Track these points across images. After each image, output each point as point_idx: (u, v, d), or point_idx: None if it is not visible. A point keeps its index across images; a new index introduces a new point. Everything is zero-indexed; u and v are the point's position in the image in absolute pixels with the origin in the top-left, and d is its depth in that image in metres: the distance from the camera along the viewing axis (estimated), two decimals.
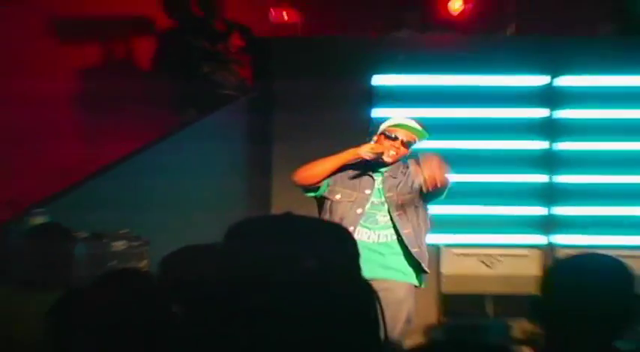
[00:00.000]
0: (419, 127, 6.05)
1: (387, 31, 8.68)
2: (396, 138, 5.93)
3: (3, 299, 5.36)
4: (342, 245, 2.08)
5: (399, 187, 6.13)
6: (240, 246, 2.06)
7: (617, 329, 3.02)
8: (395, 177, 6.13)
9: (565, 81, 7.79)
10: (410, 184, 6.14)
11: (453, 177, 6.06)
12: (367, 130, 7.01)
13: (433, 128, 6.46)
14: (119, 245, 7.22)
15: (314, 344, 1.74)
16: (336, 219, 6.00)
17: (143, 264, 6.93)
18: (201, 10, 8.69)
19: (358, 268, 2.12)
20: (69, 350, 3.04)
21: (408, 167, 6.18)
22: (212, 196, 7.85)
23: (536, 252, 7.38)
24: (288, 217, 2.08)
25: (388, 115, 6.99)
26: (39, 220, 6.87)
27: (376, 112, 7.68)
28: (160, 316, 2.76)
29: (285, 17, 8.79)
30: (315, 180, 6.13)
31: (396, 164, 6.10)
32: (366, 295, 1.92)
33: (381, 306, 1.91)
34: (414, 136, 6.02)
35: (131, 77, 8.95)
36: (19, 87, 8.00)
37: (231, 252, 2.09)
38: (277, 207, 7.57)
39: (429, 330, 7.27)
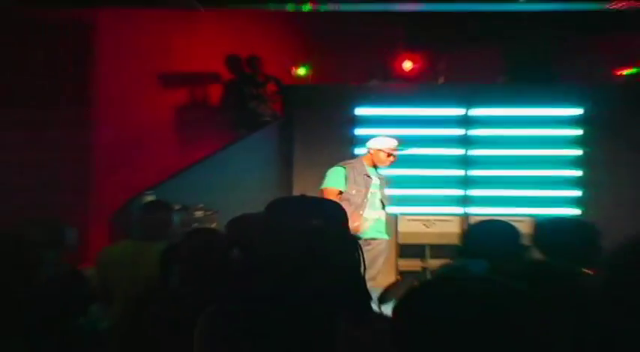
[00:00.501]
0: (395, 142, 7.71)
1: (363, 81, 10.31)
2: (392, 156, 7.60)
3: (131, 248, 5.55)
4: (335, 212, 2.86)
5: (382, 186, 7.67)
6: (274, 213, 2.87)
7: (509, 255, 3.87)
8: (381, 179, 7.66)
9: (474, 111, 9.82)
10: (384, 181, 7.76)
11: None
12: (352, 141, 9.62)
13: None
14: (198, 213, 9.09)
15: (323, 268, 2.35)
16: (352, 205, 7.31)
17: (213, 225, 8.39)
18: (249, 69, 10.63)
19: (345, 225, 2.90)
20: (173, 275, 3.98)
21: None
22: (255, 183, 9.52)
23: (456, 218, 9.20)
24: (303, 197, 2.92)
25: (366, 132, 9.33)
26: (150, 198, 8.22)
27: (357, 131, 9.70)
28: (224, 257, 3.54)
29: (302, 72, 10.65)
30: (337, 193, 7.67)
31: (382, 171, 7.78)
32: (350, 241, 2.57)
33: (360, 247, 2.55)
34: (395, 149, 7.67)
35: (207, 109, 10.88)
36: (140, 115, 10.03)
37: (269, 217, 2.92)
38: (297, 190, 9.41)
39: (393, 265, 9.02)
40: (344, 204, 5.74)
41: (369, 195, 7.47)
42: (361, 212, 7.25)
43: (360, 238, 6.25)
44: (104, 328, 4.48)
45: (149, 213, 6.06)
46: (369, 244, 7.33)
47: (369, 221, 7.37)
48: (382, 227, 7.56)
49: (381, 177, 7.63)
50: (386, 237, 7.58)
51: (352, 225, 6.57)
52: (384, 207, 7.60)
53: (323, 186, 7.57)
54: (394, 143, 7.66)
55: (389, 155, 7.58)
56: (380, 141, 7.74)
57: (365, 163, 7.60)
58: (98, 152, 9.53)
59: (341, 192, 7.49)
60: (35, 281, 3.45)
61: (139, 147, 9.92)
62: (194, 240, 3.95)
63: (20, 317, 2.41)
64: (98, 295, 4.98)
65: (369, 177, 7.49)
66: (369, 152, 7.72)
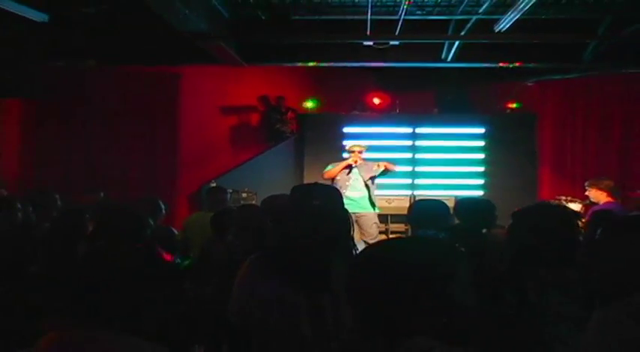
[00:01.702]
0: (363, 145, 8.64)
1: (349, 111, 10.94)
2: (353, 151, 8.45)
3: (201, 217, 6.06)
4: (333, 193, 3.18)
5: (365, 172, 8.28)
6: (297, 193, 3.20)
7: (440, 221, 4.12)
8: (364, 167, 8.27)
9: (418, 130, 10.80)
10: (369, 171, 8.33)
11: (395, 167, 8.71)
12: (341, 149, 10.37)
13: (372, 149, 9.10)
14: (244, 195, 9.95)
15: (323, 230, 2.58)
16: (338, 188, 7.36)
17: (254, 202, 9.04)
18: (276, 103, 11.10)
19: (342, 203, 3.17)
20: (226, 232, 4.41)
21: (366, 163, 8.46)
22: (279, 176, 10.27)
23: (407, 198, 9.52)
24: (314, 184, 3.60)
25: (349, 143, 9.72)
26: (213, 185, 9.03)
27: (344, 142, 10.41)
28: (261, 222, 3.86)
29: (309, 105, 11.10)
30: (334, 176, 8.29)
31: (364, 161, 8.40)
32: (342, 213, 2.90)
33: (351, 219, 2.87)
34: (362, 149, 8.48)
35: (249, 129, 11.30)
36: (208, 133, 11.03)
37: (293, 195, 3.28)
38: (306, 180, 9.94)
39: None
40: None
41: (349, 182, 8.17)
42: (344, 191, 7.71)
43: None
44: (186, 266, 5.10)
45: (212, 195, 7.00)
46: (363, 215, 8.06)
47: (350, 199, 7.86)
48: (365, 203, 8.13)
49: (362, 169, 8.26)
50: (371, 210, 8.17)
51: None
52: (368, 188, 8.15)
53: (323, 172, 8.49)
54: (351, 144, 8.58)
55: (350, 151, 8.49)
56: (348, 144, 8.78)
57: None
58: (181, 156, 10.67)
59: (333, 179, 8.31)
60: (144, 234, 3.62)
61: (207, 153, 10.95)
62: (242, 211, 4.38)
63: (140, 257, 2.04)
64: (181, 245, 5.67)
65: (352, 168, 8.26)
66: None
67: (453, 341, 1.55)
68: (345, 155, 10.21)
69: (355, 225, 8.01)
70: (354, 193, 8.15)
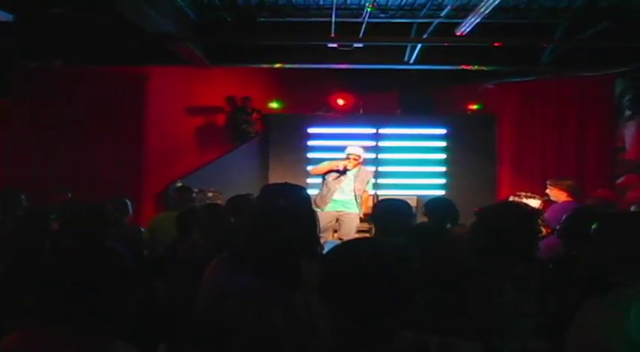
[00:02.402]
0: (360, 153, 8.10)
1: (313, 111, 10.93)
2: (349, 158, 8.02)
3: (167, 215, 5.95)
4: (300, 194, 2.88)
5: (359, 183, 8.04)
6: (261, 194, 2.94)
7: (402, 220, 4.02)
8: (359, 177, 8.02)
9: (382, 130, 10.83)
10: (363, 182, 8.12)
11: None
12: (306, 149, 10.53)
13: (336, 149, 9.01)
14: (210, 194, 9.85)
15: (286, 230, 2.59)
16: (328, 191, 7.84)
17: (219, 201, 8.46)
18: (242, 103, 11.07)
19: (309, 204, 2.93)
20: (192, 231, 4.41)
21: (363, 172, 8.25)
22: (244, 177, 10.13)
23: (371, 197, 8.80)
24: (284, 184, 3.01)
25: (315, 144, 10.26)
26: (179, 184, 8.83)
27: (309, 142, 10.58)
28: (228, 224, 4.01)
29: (275, 105, 11.18)
30: (319, 173, 8.08)
31: (362, 169, 8.18)
32: (309, 212, 2.81)
33: (318, 219, 2.81)
34: (357, 158, 8.03)
35: (215, 129, 11.29)
36: (174, 133, 10.88)
37: (259, 196, 3.06)
38: (270, 180, 9.69)
39: None
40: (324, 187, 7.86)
41: (339, 185, 7.99)
42: (332, 193, 7.90)
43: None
44: (152, 264, 4.82)
45: (179, 194, 7.02)
46: (346, 214, 7.99)
47: (336, 200, 7.93)
48: (350, 205, 8.02)
49: (359, 177, 8.10)
50: (354, 210, 8.06)
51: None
52: (355, 194, 8.01)
53: (311, 169, 8.42)
54: (351, 149, 8.13)
55: (347, 156, 8.09)
56: (349, 147, 8.23)
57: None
58: (148, 156, 10.60)
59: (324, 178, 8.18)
60: (111, 233, 3.65)
61: (173, 153, 10.87)
62: (207, 210, 4.42)
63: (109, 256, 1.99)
64: (146, 242, 5.76)
65: (341, 172, 8.02)
66: None
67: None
68: (309, 155, 10.33)
69: (336, 223, 8.16)
70: (341, 196, 8.10)
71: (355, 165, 8.07)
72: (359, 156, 8.09)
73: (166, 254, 4.78)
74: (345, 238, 7.59)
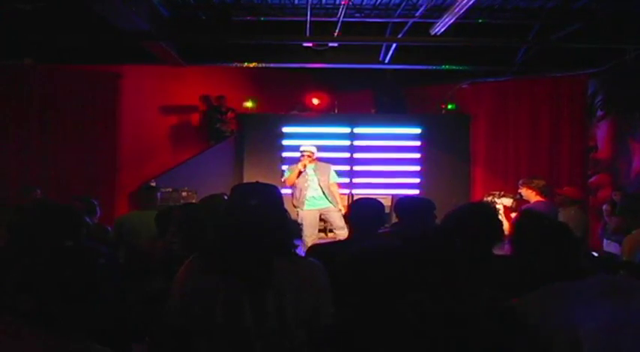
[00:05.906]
0: (312, 149, 8.12)
1: (288, 110, 11.05)
2: (303, 155, 8.03)
3: (138, 214, 5.88)
4: (272, 193, 2.77)
5: (321, 174, 8.06)
6: (236, 192, 2.81)
7: (375, 220, 4.03)
8: (319, 170, 8.03)
9: (356, 130, 10.84)
10: (324, 173, 8.10)
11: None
12: (281, 148, 10.51)
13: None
14: (185, 193, 10.02)
15: (257, 230, 2.55)
16: (299, 191, 7.91)
17: (194, 200, 9.07)
18: (217, 103, 11.29)
19: (281, 203, 2.79)
20: (167, 231, 4.05)
21: (321, 165, 8.16)
22: (219, 176, 10.15)
23: (345, 196, 9.21)
24: (255, 183, 2.92)
25: (289, 143, 10.16)
26: (152, 184, 9.17)
27: (283, 141, 10.57)
28: (202, 224, 3.70)
29: (249, 105, 11.17)
30: (292, 183, 8.01)
31: (318, 163, 8.11)
32: (280, 212, 2.72)
33: (290, 218, 2.84)
34: (310, 154, 8.02)
35: (190, 128, 11.39)
36: (148, 131, 10.85)
37: (229, 196, 2.91)
38: (245, 179, 9.91)
39: None
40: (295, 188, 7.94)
41: (306, 183, 8.04)
42: (305, 192, 7.95)
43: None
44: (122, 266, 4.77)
45: (143, 194, 6.88)
46: (328, 210, 8.04)
47: (311, 197, 7.97)
48: (322, 200, 8.01)
49: (318, 170, 8.11)
50: (330, 205, 8.06)
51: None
52: (322, 189, 8.01)
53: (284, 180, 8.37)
54: (302, 147, 8.23)
55: (302, 154, 8.14)
56: (301, 146, 8.36)
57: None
58: (121, 155, 10.49)
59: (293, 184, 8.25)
60: (81, 232, 3.42)
61: (147, 152, 10.88)
62: (182, 210, 4.26)
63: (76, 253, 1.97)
64: (113, 242, 5.65)
65: (307, 171, 8.06)
66: None
67: None
68: (284, 154, 10.35)
69: (323, 223, 8.48)
70: (314, 193, 8.12)
71: (311, 161, 8.10)
72: (312, 153, 8.12)
73: (140, 254, 4.61)
74: (338, 231, 8.03)
